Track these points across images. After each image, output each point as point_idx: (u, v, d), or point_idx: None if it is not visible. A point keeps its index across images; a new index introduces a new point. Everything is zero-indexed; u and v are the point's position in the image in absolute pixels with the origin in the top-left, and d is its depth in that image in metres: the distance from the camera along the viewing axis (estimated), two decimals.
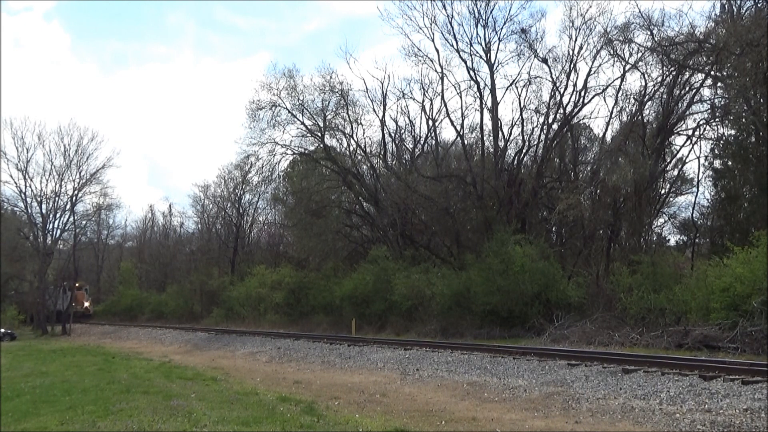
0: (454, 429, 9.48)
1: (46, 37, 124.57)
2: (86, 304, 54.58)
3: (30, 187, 47.19)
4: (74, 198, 47.92)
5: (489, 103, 30.92)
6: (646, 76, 26.88)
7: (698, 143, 28.18)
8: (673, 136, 27.73)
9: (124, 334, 39.87)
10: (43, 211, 47.68)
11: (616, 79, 27.99)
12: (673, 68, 25.63)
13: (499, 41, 30.51)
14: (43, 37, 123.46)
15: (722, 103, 25.76)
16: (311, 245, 36.51)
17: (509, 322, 22.73)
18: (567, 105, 28.75)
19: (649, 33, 25.53)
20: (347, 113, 34.75)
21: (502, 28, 30.26)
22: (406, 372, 15.94)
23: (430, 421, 10.03)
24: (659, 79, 26.56)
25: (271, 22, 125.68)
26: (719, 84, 25.06)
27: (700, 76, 25.61)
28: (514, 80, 30.62)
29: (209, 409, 10.42)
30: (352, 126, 35.11)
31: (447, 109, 32.85)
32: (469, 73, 30.94)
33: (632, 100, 28.06)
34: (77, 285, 53.45)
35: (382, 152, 35.57)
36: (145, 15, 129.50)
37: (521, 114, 30.95)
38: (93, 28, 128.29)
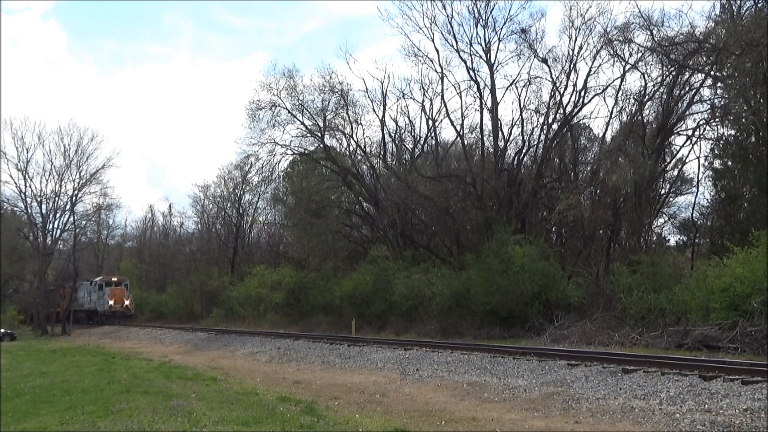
0: (454, 429, 9.49)
1: (44, 36, 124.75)
2: (126, 302, 48.25)
3: (30, 187, 47.27)
4: (74, 198, 47.95)
5: (489, 103, 30.92)
6: (646, 76, 26.94)
7: (698, 143, 28.25)
8: (673, 136, 27.77)
9: (124, 334, 39.86)
10: (43, 211, 47.75)
11: (616, 79, 28.03)
12: (673, 68, 25.63)
13: (499, 41, 30.49)
14: (40, 36, 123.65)
15: (722, 103, 25.79)
16: (311, 245, 36.57)
17: (509, 322, 22.74)
18: (567, 105, 28.75)
19: (648, 33, 25.55)
20: (347, 113, 34.77)
21: (502, 28, 30.25)
22: (406, 372, 15.93)
23: (430, 421, 10.03)
24: (659, 79, 26.62)
25: (268, 22, 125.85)
26: (719, 84, 25.07)
27: (700, 76, 25.62)
28: (514, 80, 30.63)
29: (209, 409, 10.42)
30: (351, 126, 35.16)
31: (447, 109, 32.84)
32: (469, 73, 30.96)
33: (632, 100, 28.11)
34: (115, 280, 49.25)
35: (382, 152, 35.56)
36: (142, 15, 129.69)
37: (521, 114, 30.95)
38: (90, 28, 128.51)
